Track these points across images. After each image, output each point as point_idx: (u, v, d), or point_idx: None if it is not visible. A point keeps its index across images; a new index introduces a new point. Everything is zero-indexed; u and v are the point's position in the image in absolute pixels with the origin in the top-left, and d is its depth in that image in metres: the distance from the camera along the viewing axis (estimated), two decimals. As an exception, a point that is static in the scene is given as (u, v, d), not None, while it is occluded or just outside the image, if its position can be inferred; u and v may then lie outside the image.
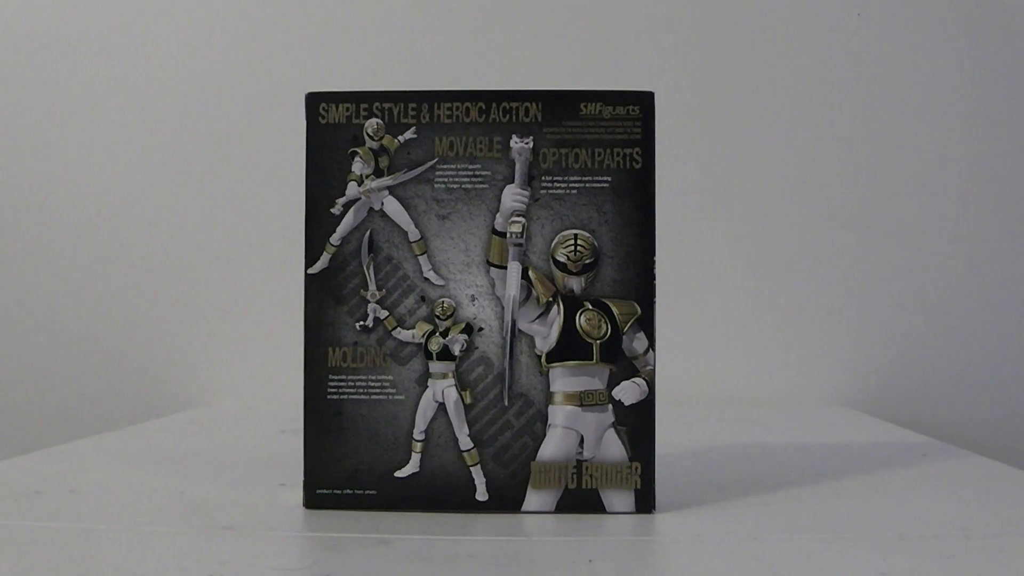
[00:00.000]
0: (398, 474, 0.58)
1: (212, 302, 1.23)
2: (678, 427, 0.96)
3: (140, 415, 1.15)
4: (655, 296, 0.58)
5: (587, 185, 0.58)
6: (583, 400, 0.57)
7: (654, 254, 0.58)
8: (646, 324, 0.58)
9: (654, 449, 0.58)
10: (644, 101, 0.58)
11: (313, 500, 0.59)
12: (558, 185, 0.58)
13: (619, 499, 0.57)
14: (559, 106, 0.58)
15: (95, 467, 0.75)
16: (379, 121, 0.59)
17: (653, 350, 0.58)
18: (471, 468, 0.58)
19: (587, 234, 0.58)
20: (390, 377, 0.59)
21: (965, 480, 0.70)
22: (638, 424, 0.58)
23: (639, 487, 0.58)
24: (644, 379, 0.58)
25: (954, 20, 1.20)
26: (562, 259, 0.57)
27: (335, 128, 0.60)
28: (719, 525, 0.56)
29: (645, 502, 0.58)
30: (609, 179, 0.58)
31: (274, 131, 1.17)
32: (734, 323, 1.20)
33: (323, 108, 0.60)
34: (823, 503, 0.61)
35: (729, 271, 1.20)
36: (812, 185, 1.20)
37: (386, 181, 0.59)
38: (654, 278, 0.58)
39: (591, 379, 0.58)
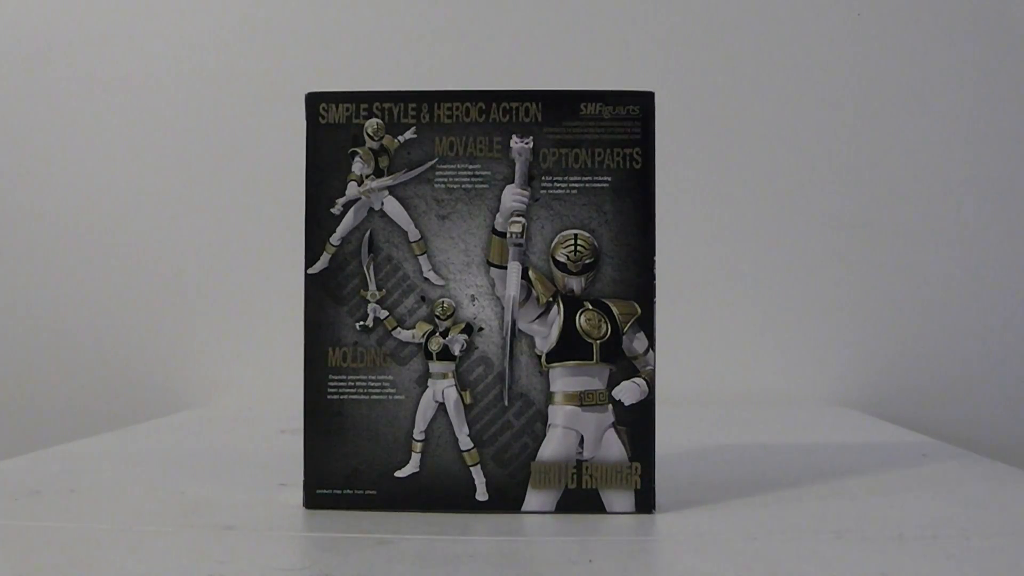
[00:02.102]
0: (398, 474, 0.58)
1: (212, 302, 1.23)
2: (678, 427, 0.96)
3: (140, 415, 1.15)
4: (655, 296, 0.58)
5: (587, 185, 0.58)
6: (583, 400, 0.57)
7: (654, 254, 0.58)
8: (646, 324, 0.58)
9: (654, 449, 0.58)
10: (644, 101, 0.58)
11: (313, 500, 0.59)
12: (558, 185, 0.58)
13: (619, 499, 0.57)
14: (559, 106, 0.58)
15: (95, 467, 0.75)
16: (379, 121, 0.59)
17: (653, 350, 0.58)
18: (471, 468, 0.58)
19: (587, 234, 0.58)
20: (390, 377, 0.59)
21: (965, 480, 0.70)
22: (638, 424, 0.58)
23: (639, 487, 0.57)
24: (644, 379, 0.58)
25: (954, 20, 1.20)
26: (562, 259, 0.57)
27: (335, 128, 0.59)
28: (719, 525, 0.56)
29: (645, 502, 0.57)
30: (609, 179, 0.58)
31: (275, 131, 1.17)
32: (734, 323, 1.20)
33: (323, 108, 0.60)
34: (823, 503, 0.61)
35: (729, 271, 1.20)
36: (812, 185, 1.20)
37: (386, 181, 0.58)
38: (654, 278, 0.58)
39: (591, 379, 0.57)
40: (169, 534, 0.54)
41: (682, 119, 1.19)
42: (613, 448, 0.57)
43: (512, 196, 0.58)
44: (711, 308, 1.20)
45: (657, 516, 0.57)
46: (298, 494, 0.60)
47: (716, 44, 1.21)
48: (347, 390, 0.59)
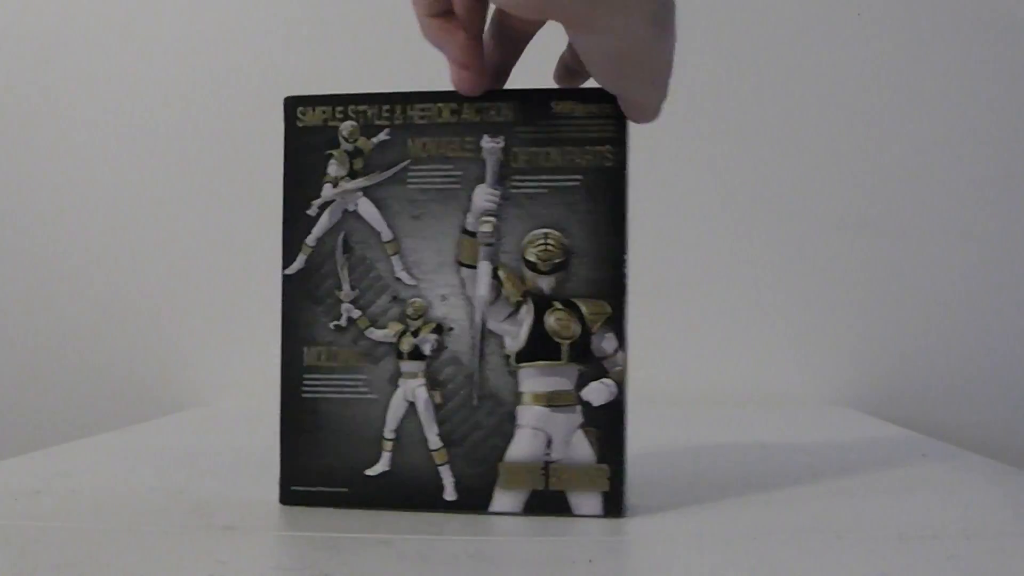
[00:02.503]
0: (369, 472, 0.58)
1: (212, 302, 1.23)
2: (677, 427, 0.96)
3: (140, 415, 1.15)
4: (626, 295, 0.56)
5: (559, 184, 0.57)
6: (552, 401, 0.56)
7: (625, 252, 0.56)
8: (616, 324, 0.56)
9: (623, 451, 0.57)
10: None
11: (287, 496, 0.59)
12: (530, 184, 0.57)
13: (586, 501, 0.56)
14: (531, 105, 0.57)
15: (95, 467, 0.75)
16: (354, 123, 0.59)
17: (623, 350, 0.56)
18: (439, 467, 0.58)
19: (557, 233, 0.56)
20: (363, 376, 0.59)
21: (965, 480, 0.70)
22: (607, 426, 0.56)
23: (607, 490, 0.56)
24: (613, 380, 0.56)
25: (956, 20, 1.20)
26: (532, 259, 0.57)
27: (312, 131, 0.60)
28: (719, 525, 0.56)
29: (613, 505, 0.56)
30: (581, 177, 0.57)
31: (275, 132, 1.17)
32: (733, 322, 1.20)
33: (300, 112, 0.61)
34: (823, 503, 0.61)
35: (729, 270, 1.20)
36: (813, 184, 1.20)
37: (360, 183, 0.59)
38: (625, 277, 0.56)
39: (560, 379, 0.56)
40: (169, 534, 0.54)
41: (681, 117, 1.19)
42: (582, 450, 0.56)
43: (483, 196, 0.57)
44: (711, 307, 1.20)
45: (656, 516, 0.57)
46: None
47: (715, 43, 1.21)
48: (322, 389, 0.59)
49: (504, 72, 0.60)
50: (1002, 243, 1.19)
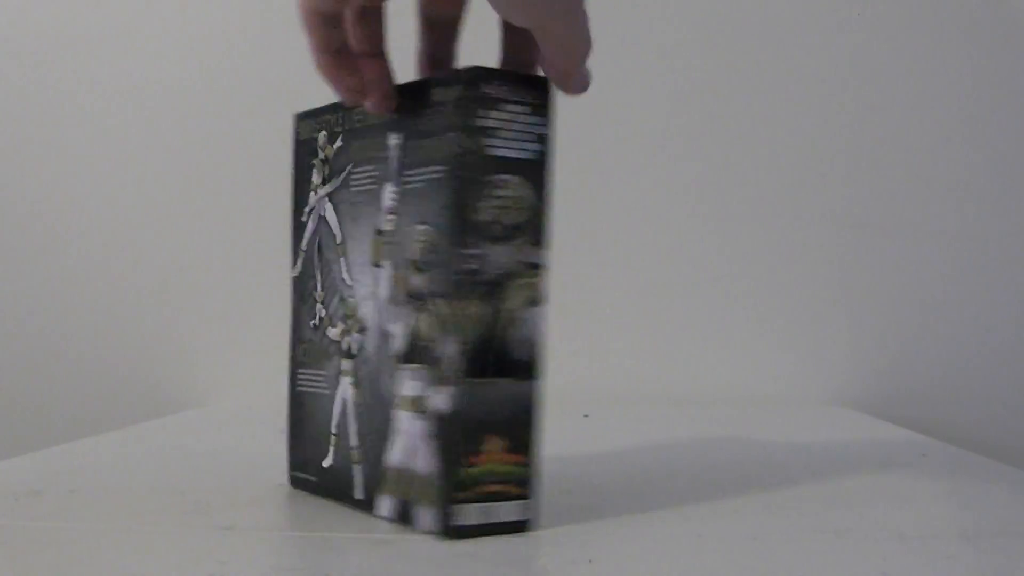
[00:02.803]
0: (324, 463, 0.61)
1: (213, 302, 1.23)
2: (677, 426, 0.96)
3: (140, 415, 1.15)
4: (471, 296, 0.52)
5: (430, 176, 0.53)
6: (416, 407, 0.54)
7: (465, 248, 0.51)
8: (455, 327, 0.52)
9: (458, 466, 0.51)
10: (467, 78, 0.51)
11: (292, 481, 0.65)
12: (415, 179, 0.54)
13: (425, 516, 0.53)
14: (418, 96, 0.54)
15: (95, 467, 0.75)
16: (325, 134, 0.62)
17: (462, 355, 0.51)
18: (354, 465, 0.58)
19: (432, 229, 0.53)
20: (324, 372, 0.62)
21: (965, 480, 0.70)
22: (444, 438, 0.52)
23: (438, 506, 0.52)
24: (452, 386, 0.51)
25: (955, 20, 1.20)
26: (413, 256, 0.54)
27: (306, 143, 0.64)
28: (718, 524, 0.56)
29: (445, 524, 0.51)
30: (443, 168, 0.52)
31: (275, 138, 1.17)
32: (733, 322, 1.20)
33: (299, 126, 0.65)
34: (823, 503, 0.61)
35: (728, 270, 1.20)
36: (812, 183, 1.20)
37: (326, 189, 0.62)
38: (461, 276, 0.51)
39: (423, 385, 0.53)
40: (169, 534, 0.54)
41: (679, 115, 1.19)
42: (425, 461, 0.53)
43: (388, 195, 0.56)
44: (709, 307, 1.20)
45: (656, 515, 0.57)
46: (298, 494, 0.62)
47: (712, 40, 1.21)
48: (304, 383, 0.64)
49: (445, 59, 0.57)
50: (1000, 243, 1.19)
